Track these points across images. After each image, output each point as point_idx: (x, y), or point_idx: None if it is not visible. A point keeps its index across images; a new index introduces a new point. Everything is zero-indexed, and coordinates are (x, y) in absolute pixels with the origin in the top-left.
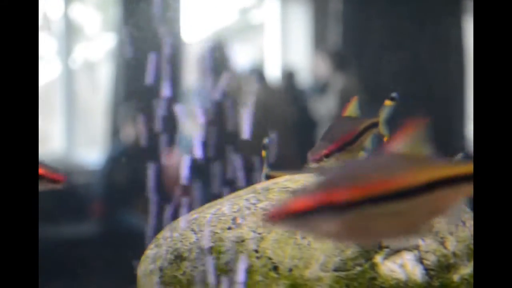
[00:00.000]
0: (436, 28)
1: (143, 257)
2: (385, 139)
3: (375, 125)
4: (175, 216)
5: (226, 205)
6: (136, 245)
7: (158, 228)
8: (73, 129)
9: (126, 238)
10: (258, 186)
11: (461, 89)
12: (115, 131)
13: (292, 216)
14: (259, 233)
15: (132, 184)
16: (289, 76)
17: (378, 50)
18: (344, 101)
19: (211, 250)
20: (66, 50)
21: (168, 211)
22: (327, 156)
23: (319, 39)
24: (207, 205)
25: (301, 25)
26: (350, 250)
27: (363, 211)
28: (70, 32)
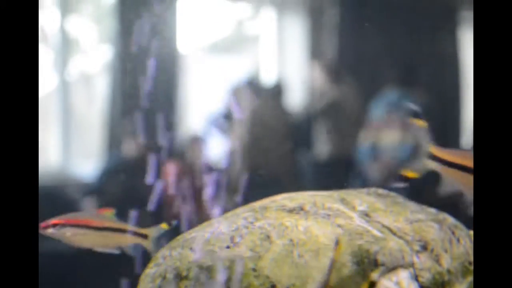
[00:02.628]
0: (433, 41)
1: (142, 276)
2: None
3: None
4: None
5: (224, 224)
6: (132, 261)
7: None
8: (69, 141)
9: (121, 255)
10: (256, 204)
11: (458, 100)
12: (111, 144)
13: None
14: (257, 252)
15: (128, 196)
16: (277, 93)
17: (373, 62)
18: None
19: (209, 269)
20: (63, 62)
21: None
22: None
23: (315, 51)
24: (205, 223)
25: (296, 36)
26: (347, 269)
27: None
28: (66, 45)
